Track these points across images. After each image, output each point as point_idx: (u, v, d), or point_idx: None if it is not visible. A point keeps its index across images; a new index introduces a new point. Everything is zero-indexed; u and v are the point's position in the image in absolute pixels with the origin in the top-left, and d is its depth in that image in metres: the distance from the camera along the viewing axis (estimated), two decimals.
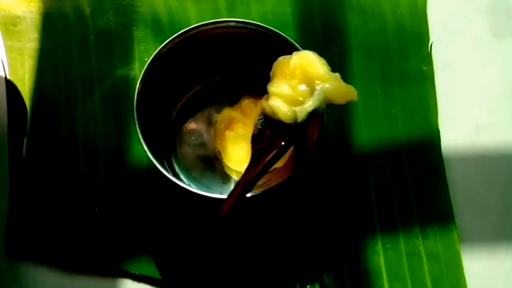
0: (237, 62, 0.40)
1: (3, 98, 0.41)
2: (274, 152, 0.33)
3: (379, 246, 0.39)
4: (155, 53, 0.35)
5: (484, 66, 0.44)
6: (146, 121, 0.36)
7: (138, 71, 0.42)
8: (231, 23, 0.37)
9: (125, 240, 0.39)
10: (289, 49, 0.36)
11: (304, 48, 0.36)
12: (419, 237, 0.39)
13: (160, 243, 0.39)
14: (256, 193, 0.34)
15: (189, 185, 0.38)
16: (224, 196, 0.35)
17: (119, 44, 0.42)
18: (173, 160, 0.40)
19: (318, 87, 0.32)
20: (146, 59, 0.42)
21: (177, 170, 0.40)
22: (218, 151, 0.39)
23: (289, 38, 0.36)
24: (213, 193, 0.39)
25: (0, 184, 0.40)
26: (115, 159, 0.40)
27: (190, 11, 0.43)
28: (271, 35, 0.37)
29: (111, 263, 0.38)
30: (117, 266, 0.38)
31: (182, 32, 0.36)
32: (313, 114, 0.33)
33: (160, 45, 0.42)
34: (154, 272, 0.38)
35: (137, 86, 0.35)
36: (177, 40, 0.36)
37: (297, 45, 0.36)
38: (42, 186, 0.40)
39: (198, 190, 0.34)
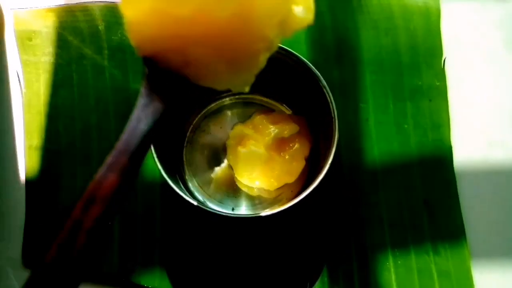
0: None
1: (20, 111, 0.42)
2: None
3: (390, 263, 0.39)
4: None
5: (497, 80, 0.43)
6: (160, 138, 0.36)
7: None
8: None
9: (138, 253, 0.39)
10: (301, 67, 0.37)
11: (316, 63, 0.36)
12: (430, 254, 0.39)
13: (173, 256, 0.39)
14: (272, 212, 0.34)
15: (201, 200, 0.39)
16: (236, 213, 0.35)
17: (132, 59, 0.43)
18: (186, 174, 0.40)
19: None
20: None
21: (189, 183, 0.40)
22: (230, 166, 0.40)
23: (300, 56, 0.36)
24: (224, 207, 0.39)
25: (17, 194, 0.41)
26: None
27: None
28: (284, 54, 0.37)
29: (123, 276, 0.39)
30: (129, 278, 0.39)
31: None
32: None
33: None
34: (166, 286, 0.39)
35: None
36: None
37: (309, 64, 0.36)
38: (56, 199, 0.40)
39: (210, 207, 0.34)
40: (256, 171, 0.38)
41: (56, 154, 0.41)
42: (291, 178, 0.39)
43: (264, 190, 0.39)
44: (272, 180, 0.38)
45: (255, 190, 0.39)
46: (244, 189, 0.40)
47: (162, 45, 0.21)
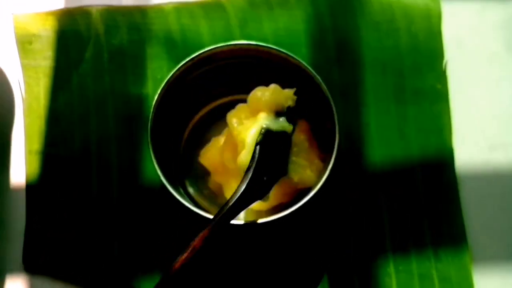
0: (249, 82, 0.40)
1: (20, 115, 0.42)
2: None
3: (391, 268, 0.39)
4: (167, 77, 0.36)
5: (499, 83, 0.43)
6: (160, 143, 0.36)
7: (151, 89, 0.42)
8: (243, 45, 0.37)
9: (138, 258, 0.39)
10: (301, 70, 0.37)
11: (316, 66, 0.36)
12: (432, 259, 0.39)
13: (173, 261, 0.39)
14: (271, 219, 0.34)
15: (202, 207, 0.39)
16: (237, 222, 0.35)
17: (132, 62, 0.43)
18: (186, 181, 0.40)
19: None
20: (159, 77, 0.42)
21: (190, 189, 0.40)
22: None
23: (301, 60, 0.36)
24: None
25: (17, 199, 0.41)
26: (128, 178, 0.41)
27: (203, 29, 0.43)
28: (284, 57, 0.36)
29: (124, 281, 0.39)
30: (130, 283, 0.39)
31: (195, 56, 0.36)
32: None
33: (173, 63, 0.42)
34: None
35: (150, 116, 0.35)
36: (189, 63, 0.36)
37: (309, 67, 0.36)
38: (57, 203, 0.40)
39: (210, 214, 0.34)
40: None
41: (56, 158, 0.41)
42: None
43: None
44: None
45: None
46: None
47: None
